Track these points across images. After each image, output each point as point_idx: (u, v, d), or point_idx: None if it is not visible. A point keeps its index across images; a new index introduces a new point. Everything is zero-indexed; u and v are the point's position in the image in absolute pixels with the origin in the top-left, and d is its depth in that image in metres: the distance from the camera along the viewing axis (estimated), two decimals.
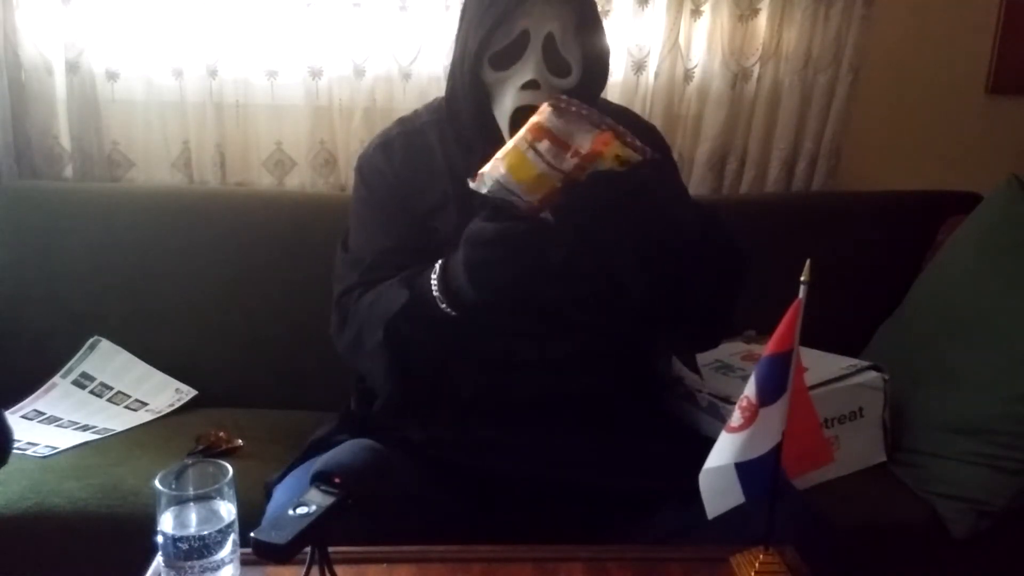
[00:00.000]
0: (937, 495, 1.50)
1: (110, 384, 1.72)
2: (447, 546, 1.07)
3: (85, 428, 1.61)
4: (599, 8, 1.34)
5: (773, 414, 0.95)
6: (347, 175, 1.95)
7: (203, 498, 0.92)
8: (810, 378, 1.39)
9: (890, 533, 1.46)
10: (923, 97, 2.08)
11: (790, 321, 0.93)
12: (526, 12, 1.19)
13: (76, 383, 1.71)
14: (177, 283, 1.78)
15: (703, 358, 1.45)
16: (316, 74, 1.90)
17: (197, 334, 1.78)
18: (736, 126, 2.02)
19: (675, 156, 1.75)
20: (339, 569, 0.93)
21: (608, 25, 1.69)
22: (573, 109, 1.02)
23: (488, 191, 1.05)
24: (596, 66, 1.25)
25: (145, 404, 1.71)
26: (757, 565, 1.02)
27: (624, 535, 1.18)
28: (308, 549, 0.90)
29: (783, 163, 2.03)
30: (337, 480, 0.94)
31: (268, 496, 1.27)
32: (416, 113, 1.38)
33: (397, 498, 1.12)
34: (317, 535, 0.89)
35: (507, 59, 1.21)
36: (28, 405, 1.66)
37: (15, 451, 1.36)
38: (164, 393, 1.74)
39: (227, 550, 0.92)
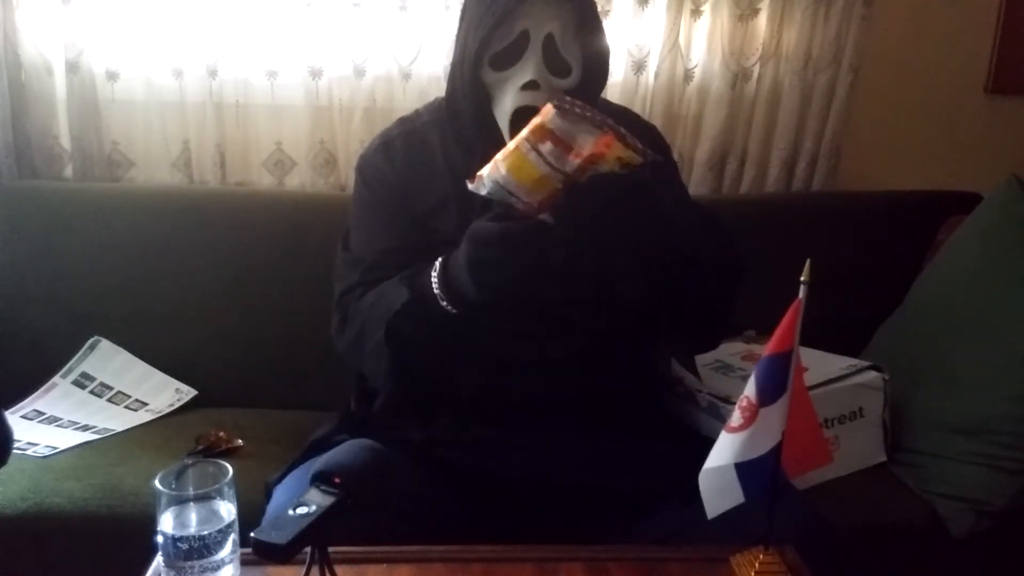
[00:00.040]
0: (937, 495, 1.50)
1: (110, 384, 1.72)
2: (447, 546, 1.07)
3: (85, 428, 1.61)
4: (599, 8, 1.34)
5: (773, 414, 0.95)
6: (347, 175, 1.95)
7: (203, 498, 0.92)
8: (810, 378, 1.40)
9: (890, 533, 1.46)
10: (923, 97, 2.08)
11: (790, 321, 0.93)
12: (526, 12, 1.19)
13: (76, 383, 1.71)
14: (177, 283, 1.78)
15: (703, 358, 1.45)
16: (316, 74, 1.90)
17: (197, 334, 1.78)
18: (736, 126, 2.02)
19: (675, 156, 1.75)
20: (339, 569, 0.93)
21: (608, 25, 1.69)
22: (576, 110, 1.01)
23: (487, 193, 1.05)
24: (596, 66, 1.26)
25: (145, 404, 1.71)
26: (757, 565, 1.02)
27: (624, 535, 1.18)
28: (308, 549, 0.90)
29: (783, 163, 2.03)
30: (337, 480, 0.94)
31: (268, 496, 1.27)
32: (416, 113, 1.38)
33: (397, 498, 1.13)
34: (317, 535, 0.89)
35: (507, 59, 1.21)
36: (28, 405, 1.66)
37: (15, 451, 1.35)
38: (164, 393, 1.73)
39: (227, 550, 0.92)
